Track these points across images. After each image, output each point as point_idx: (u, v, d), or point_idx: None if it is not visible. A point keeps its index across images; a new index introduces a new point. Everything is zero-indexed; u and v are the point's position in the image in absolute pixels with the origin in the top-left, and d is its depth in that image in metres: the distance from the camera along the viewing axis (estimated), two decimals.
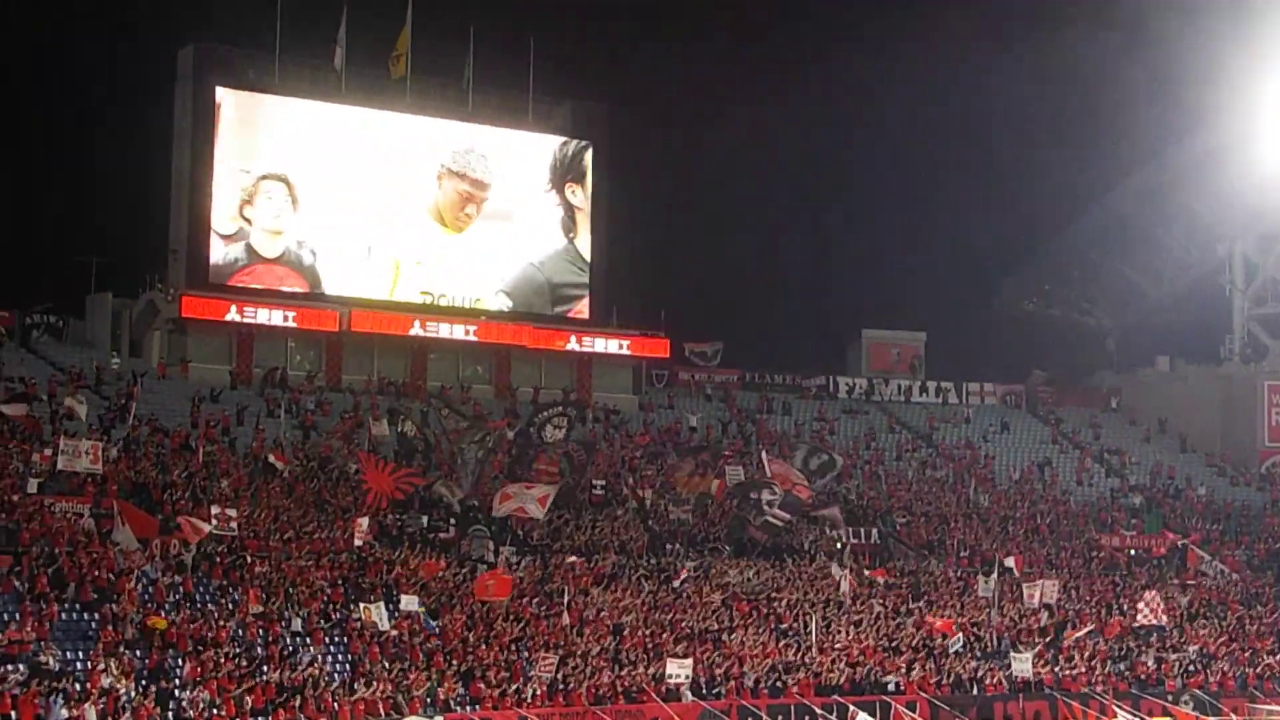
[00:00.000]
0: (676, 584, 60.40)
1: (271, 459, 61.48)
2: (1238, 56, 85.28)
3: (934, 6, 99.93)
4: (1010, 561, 67.52)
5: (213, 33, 74.74)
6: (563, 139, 79.12)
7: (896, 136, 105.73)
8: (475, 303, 76.52)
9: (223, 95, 72.60)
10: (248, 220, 72.57)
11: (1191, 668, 62.40)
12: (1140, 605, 63.96)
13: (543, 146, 78.80)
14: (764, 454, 70.49)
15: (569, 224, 79.00)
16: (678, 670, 52.55)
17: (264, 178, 72.77)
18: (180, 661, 46.79)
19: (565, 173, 78.81)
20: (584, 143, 79.43)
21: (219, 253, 71.87)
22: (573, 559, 60.70)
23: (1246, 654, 64.39)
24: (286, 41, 73.81)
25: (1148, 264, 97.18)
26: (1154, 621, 63.16)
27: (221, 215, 71.82)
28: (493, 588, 54.84)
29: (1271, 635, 66.77)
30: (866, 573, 65.15)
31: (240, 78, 73.53)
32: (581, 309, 79.20)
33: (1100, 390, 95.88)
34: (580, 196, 79.30)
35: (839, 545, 67.66)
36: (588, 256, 79.10)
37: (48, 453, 55.49)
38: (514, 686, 50.61)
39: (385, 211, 75.31)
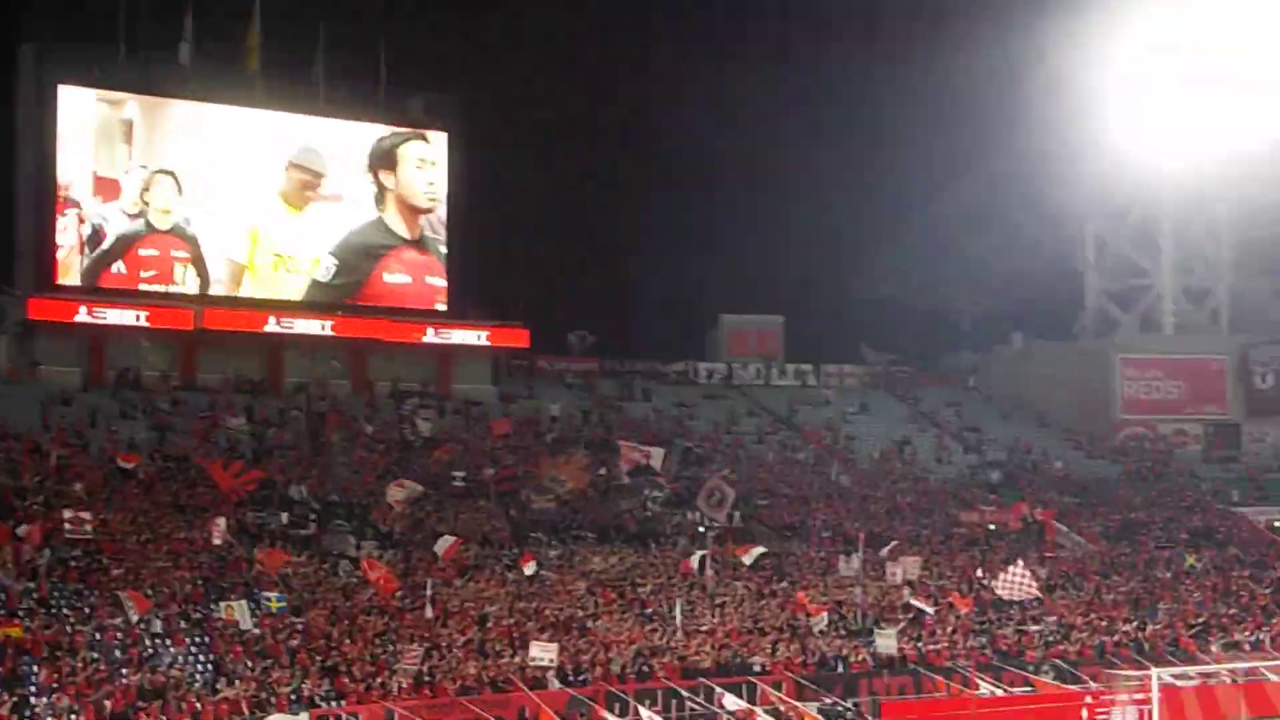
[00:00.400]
0: (528, 571, 60.16)
1: (121, 461, 60.67)
2: (1082, 38, 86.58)
3: None
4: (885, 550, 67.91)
5: (54, 30, 73.59)
6: (384, 131, 78.70)
7: (751, 118, 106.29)
8: (313, 262, 76.31)
9: (67, 93, 71.54)
10: (146, 203, 72.53)
11: (1051, 638, 63.16)
12: (1003, 578, 64.23)
13: (365, 137, 78.40)
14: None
15: (380, 200, 78.36)
16: (541, 654, 52.34)
17: (157, 171, 73.21)
18: (35, 668, 46.03)
19: (378, 161, 78.28)
20: (399, 133, 78.96)
21: (122, 225, 72.05)
22: (448, 539, 60.33)
23: (1104, 623, 65.29)
24: (132, 37, 72.94)
25: (1000, 244, 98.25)
26: (1020, 596, 63.48)
27: (113, 203, 72.17)
28: (381, 583, 54.69)
29: (1127, 604, 67.81)
30: (733, 555, 65.43)
31: (85, 75, 72.42)
32: (391, 265, 78.64)
33: (957, 370, 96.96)
34: (390, 180, 78.61)
35: (701, 529, 67.83)
36: (395, 228, 78.63)
37: None
38: (379, 680, 50.25)
39: (245, 193, 75.30)
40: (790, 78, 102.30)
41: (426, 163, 79.05)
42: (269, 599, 52.74)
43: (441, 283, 79.11)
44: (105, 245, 71.92)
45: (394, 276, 78.29)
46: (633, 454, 69.04)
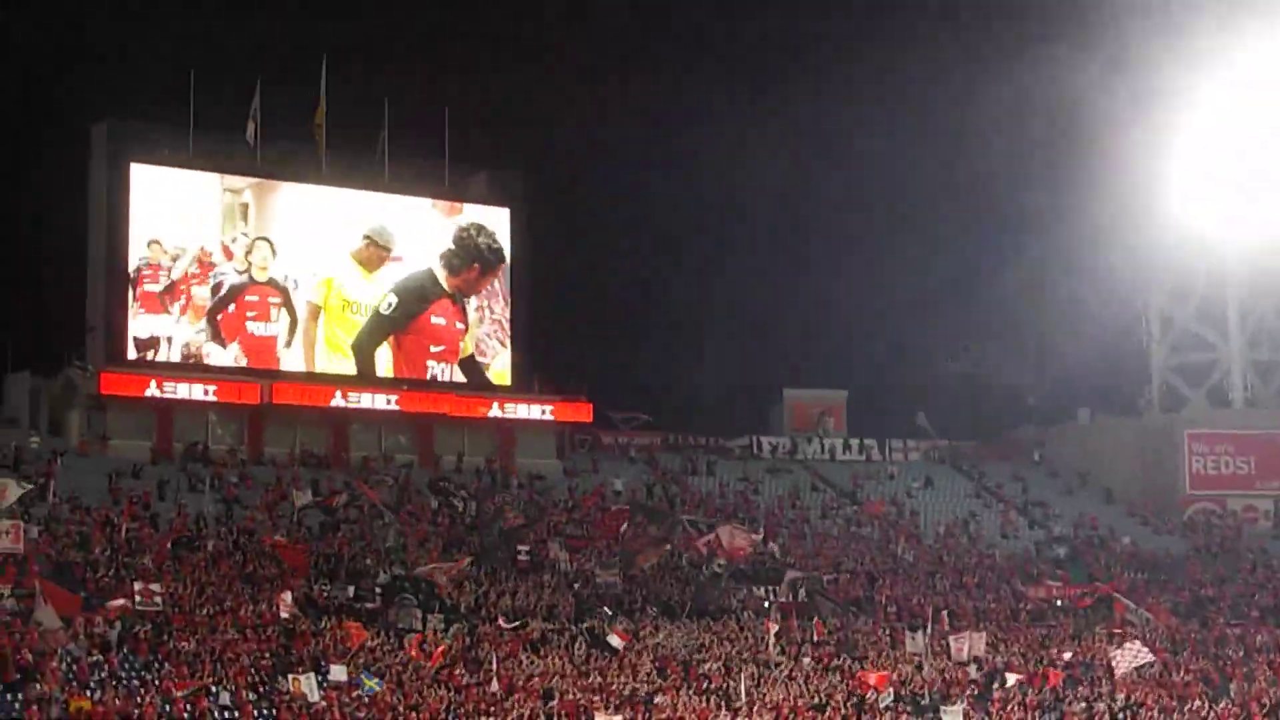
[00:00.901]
0: (614, 643, 60.01)
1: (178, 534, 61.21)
2: (1146, 116, 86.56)
3: (846, 70, 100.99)
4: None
5: (126, 109, 74.70)
6: (463, 225, 79.52)
7: (815, 196, 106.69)
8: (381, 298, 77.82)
9: (137, 171, 72.45)
10: (249, 262, 75.22)
11: (1120, 716, 62.53)
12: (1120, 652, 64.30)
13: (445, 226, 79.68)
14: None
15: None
16: None
17: (258, 238, 76.05)
18: None
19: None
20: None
21: (233, 279, 75.12)
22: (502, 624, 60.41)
23: (1174, 701, 64.61)
24: (200, 116, 73.96)
25: (1065, 319, 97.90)
26: (1140, 661, 63.59)
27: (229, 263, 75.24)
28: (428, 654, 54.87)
29: (1198, 682, 67.06)
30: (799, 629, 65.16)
31: (154, 153, 73.32)
32: (436, 310, 79.34)
33: (1022, 444, 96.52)
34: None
35: (766, 605, 67.55)
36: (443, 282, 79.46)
37: None
38: None
39: (324, 254, 77.14)
40: (849, 153, 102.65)
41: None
42: (365, 678, 52.80)
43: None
44: (221, 294, 74.32)
45: (437, 319, 78.93)
46: (737, 539, 69.02)
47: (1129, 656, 63.25)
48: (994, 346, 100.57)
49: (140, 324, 72.50)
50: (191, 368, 72.23)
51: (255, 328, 75.18)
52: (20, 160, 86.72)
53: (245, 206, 75.61)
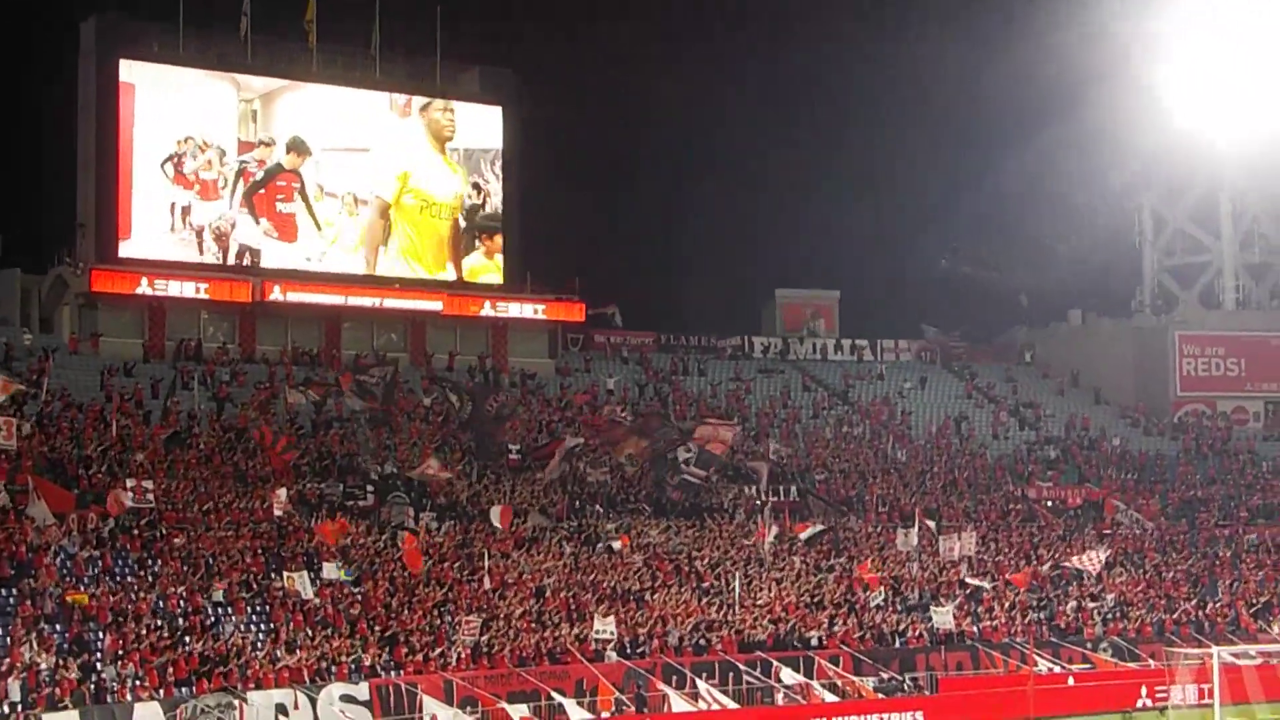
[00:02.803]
0: (616, 547, 60.34)
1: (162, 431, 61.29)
2: (1141, 13, 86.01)
3: None
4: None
5: (115, 4, 73.95)
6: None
7: (806, 94, 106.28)
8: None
9: (127, 67, 71.96)
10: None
11: (1110, 615, 63.05)
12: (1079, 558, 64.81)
13: None
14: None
15: None
16: (603, 627, 52.60)
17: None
18: (101, 635, 46.44)
19: None
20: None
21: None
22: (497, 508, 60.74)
23: (1163, 601, 65.14)
24: (191, 13, 73.29)
25: (1058, 220, 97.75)
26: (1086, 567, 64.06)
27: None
28: (407, 559, 55.07)
29: (1187, 582, 67.59)
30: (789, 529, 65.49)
31: (144, 49, 72.81)
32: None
33: (1014, 345, 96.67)
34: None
35: (758, 504, 67.84)
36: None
37: None
38: (438, 650, 50.53)
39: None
40: (847, 54, 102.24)
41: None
42: (338, 568, 53.06)
43: None
44: (257, 178, 74.33)
45: None
46: (720, 432, 68.98)
47: (1089, 562, 63.90)
48: (986, 246, 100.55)
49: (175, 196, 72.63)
50: (182, 266, 71.94)
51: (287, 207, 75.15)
52: (8, 58, 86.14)
53: (254, 113, 74.77)
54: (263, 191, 74.21)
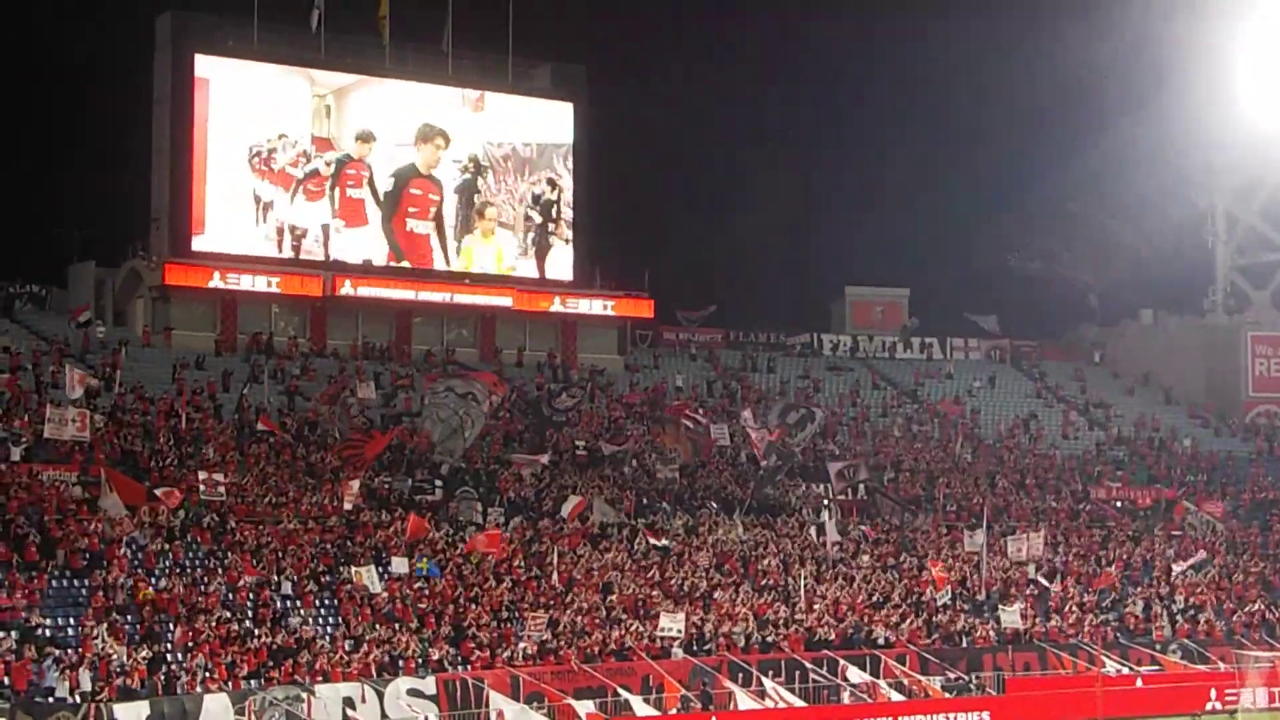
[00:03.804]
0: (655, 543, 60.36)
1: (260, 425, 61.56)
2: (1213, 8, 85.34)
3: None
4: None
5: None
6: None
7: (879, 92, 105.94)
8: None
9: (202, 62, 72.50)
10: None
11: (1179, 617, 62.66)
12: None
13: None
14: (744, 413, 70.94)
15: None
16: (671, 624, 52.62)
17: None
18: (171, 626, 46.85)
19: None
20: None
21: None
22: (573, 499, 60.91)
23: (1233, 603, 64.68)
24: (265, 7, 73.84)
25: (1129, 217, 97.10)
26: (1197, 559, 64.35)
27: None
28: (483, 543, 55.20)
29: (1257, 584, 67.09)
30: (857, 527, 65.42)
31: (219, 44, 73.33)
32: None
33: (1084, 344, 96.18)
34: None
35: (825, 502, 67.75)
36: None
37: (27, 419, 55.63)
38: (505, 646, 50.67)
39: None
40: (917, 48, 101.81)
41: None
42: (421, 565, 53.36)
43: None
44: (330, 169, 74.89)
45: None
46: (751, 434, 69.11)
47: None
48: (1058, 245, 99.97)
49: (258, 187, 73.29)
50: (255, 260, 72.42)
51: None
52: (85, 53, 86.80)
53: (328, 108, 75.23)
54: (333, 181, 74.60)
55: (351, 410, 64.98)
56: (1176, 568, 65.45)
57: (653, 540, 59.79)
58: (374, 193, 75.28)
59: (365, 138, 75.25)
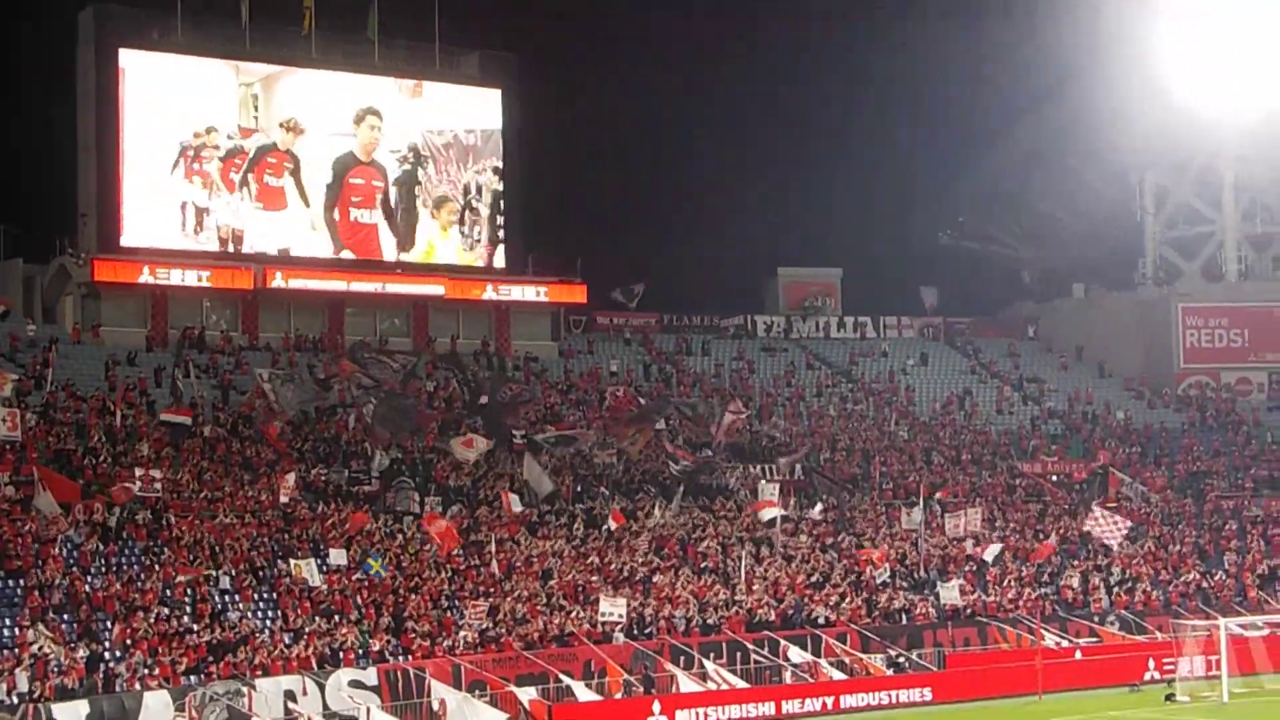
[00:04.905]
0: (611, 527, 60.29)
1: (168, 416, 61.01)
2: None
3: None
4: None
5: None
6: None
7: (808, 72, 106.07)
8: None
9: (126, 57, 71.91)
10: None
11: (1116, 589, 63.06)
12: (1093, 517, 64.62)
13: None
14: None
15: None
16: (611, 609, 52.58)
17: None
18: (109, 625, 46.53)
19: None
20: None
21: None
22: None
23: (1169, 573, 65.14)
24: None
25: (1060, 194, 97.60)
26: (1108, 538, 63.92)
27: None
28: (440, 529, 55.07)
29: (1192, 554, 67.59)
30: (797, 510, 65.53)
31: (144, 38, 72.74)
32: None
33: (1018, 320, 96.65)
34: None
35: (763, 480, 67.73)
36: None
37: None
38: (445, 635, 50.55)
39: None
40: (845, 28, 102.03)
41: None
42: (371, 563, 53.10)
43: None
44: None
45: None
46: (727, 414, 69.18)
47: (1109, 528, 63.75)
48: (989, 222, 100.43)
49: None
50: (184, 254, 71.91)
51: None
52: (8, 49, 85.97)
53: (255, 97, 74.74)
54: (249, 165, 74.05)
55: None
56: (1094, 529, 64.90)
57: (614, 524, 59.92)
58: (298, 183, 74.72)
59: (291, 127, 74.71)
